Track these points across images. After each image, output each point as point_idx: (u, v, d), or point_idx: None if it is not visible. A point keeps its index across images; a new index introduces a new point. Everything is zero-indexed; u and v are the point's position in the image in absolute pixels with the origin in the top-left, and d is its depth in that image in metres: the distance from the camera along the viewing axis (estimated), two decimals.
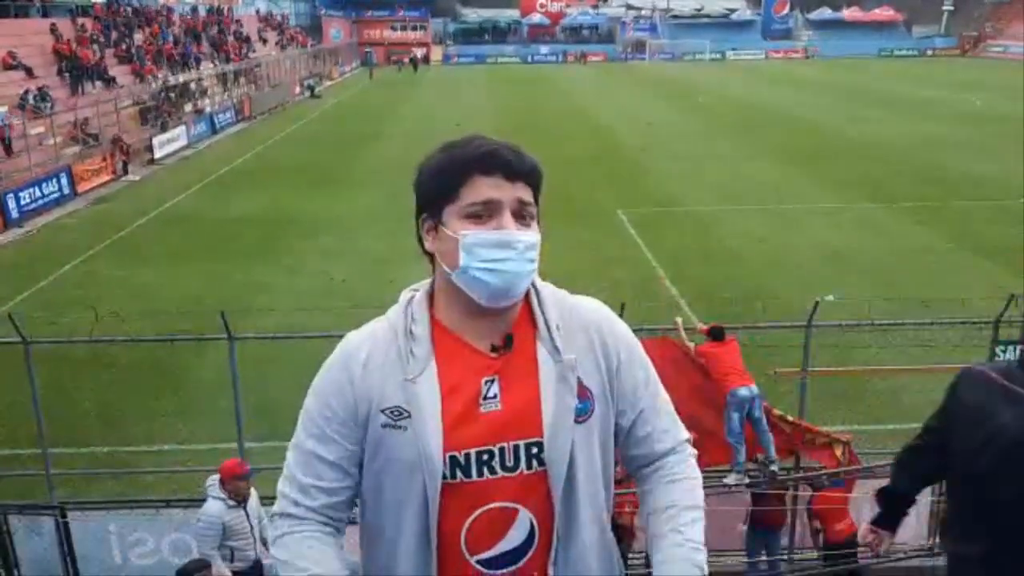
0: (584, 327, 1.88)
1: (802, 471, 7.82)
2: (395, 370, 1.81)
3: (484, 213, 1.77)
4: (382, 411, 1.80)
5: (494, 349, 1.81)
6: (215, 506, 6.08)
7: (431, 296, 1.89)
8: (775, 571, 7.57)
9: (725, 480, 7.35)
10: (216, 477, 6.20)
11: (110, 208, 21.73)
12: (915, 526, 7.71)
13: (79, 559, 7.19)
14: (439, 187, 1.82)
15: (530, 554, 1.82)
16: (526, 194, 1.80)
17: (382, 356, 1.83)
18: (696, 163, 25.73)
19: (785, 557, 7.63)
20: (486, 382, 1.80)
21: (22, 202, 20.11)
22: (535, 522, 1.81)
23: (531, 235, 1.79)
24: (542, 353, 1.83)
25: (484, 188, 1.77)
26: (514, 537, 1.80)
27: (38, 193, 20.85)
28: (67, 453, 9.03)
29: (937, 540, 7.66)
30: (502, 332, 1.83)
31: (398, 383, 1.80)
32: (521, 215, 1.79)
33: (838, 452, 7.26)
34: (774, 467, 7.43)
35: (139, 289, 14.57)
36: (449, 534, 1.80)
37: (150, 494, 8.31)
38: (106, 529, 7.31)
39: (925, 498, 7.57)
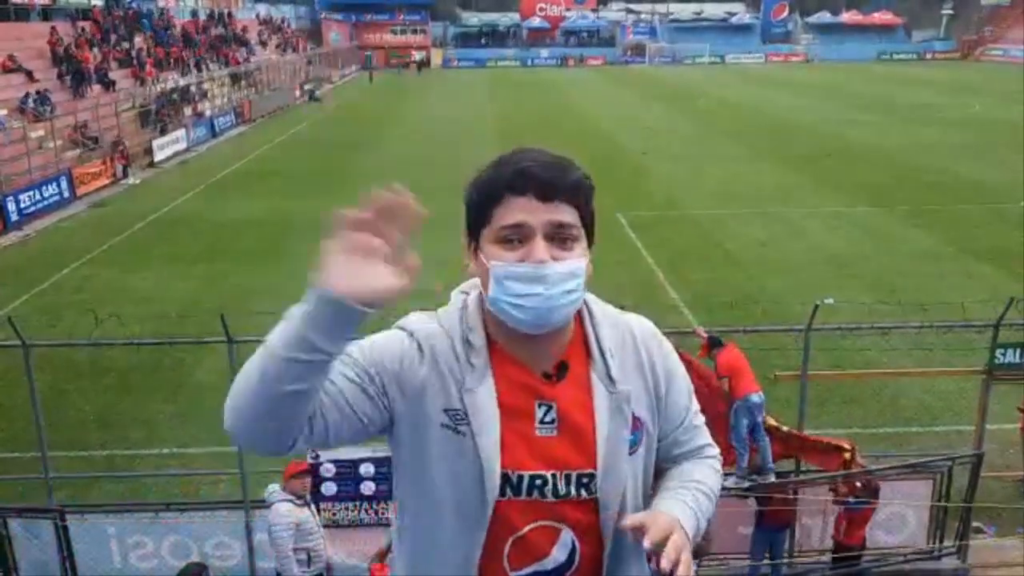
0: (635, 349, 1.85)
1: (806, 473, 7.82)
2: (454, 374, 1.75)
3: (515, 237, 1.68)
4: (444, 411, 1.74)
5: (547, 376, 1.76)
6: (283, 507, 6.27)
7: (481, 302, 1.81)
8: (777, 574, 7.57)
9: (725, 484, 7.34)
10: (275, 485, 6.42)
11: (110, 211, 21.72)
12: (915, 529, 7.72)
13: (78, 562, 7.18)
14: (476, 208, 1.75)
15: (570, 573, 1.80)
16: (565, 214, 1.69)
17: (440, 355, 1.76)
18: (696, 166, 25.76)
19: (787, 560, 7.62)
20: (541, 405, 1.75)
21: (22, 205, 20.11)
22: (577, 542, 1.79)
23: (567, 264, 1.68)
24: (596, 382, 1.79)
25: (515, 211, 1.68)
26: (556, 556, 1.78)
27: (38, 196, 20.86)
28: (66, 456, 9.02)
29: (938, 543, 7.67)
30: (555, 357, 1.78)
31: (458, 388, 1.74)
32: (560, 238, 1.69)
33: (847, 457, 7.26)
34: (772, 476, 7.44)
35: (138, 292, 14.57)
36: (493, 548, 1.77)
37: (149, 497, 8.31)
38: (105, 532, 7.31)
39: (925, 502, 7.57)
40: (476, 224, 1.76)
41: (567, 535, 1.78)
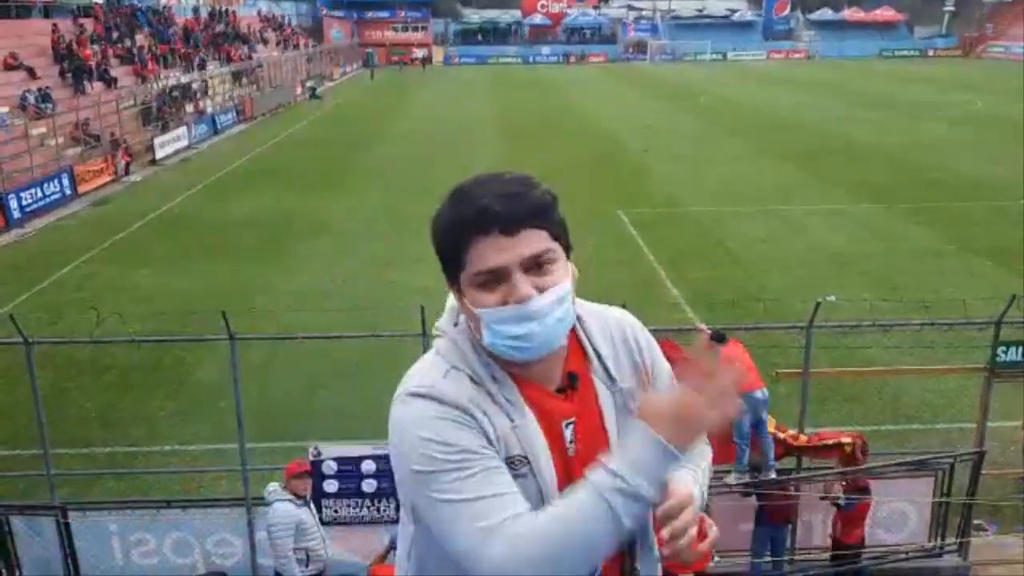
0: (624, 342, 1.87)
1: (807, 471, 7.82)
2: (498, 418, 1.70)
3: (492, 281, 1.65)
4: (505, 460, 1.68)
5: (560, 391, 1.76)
6: (284, 506, 6.26)
7: (472, 336, 1.77)
8: (778, 571, 7.57)
9: (726, 480, 7.36)
10: (275, 484, 6.42)
11: (111, 209, 21.74)
12: (917, 527, 7.72)
13: (80, 559, 7.19)
14: (447, 252, 1.71)
15: None
16: (535, 242, 1.65)
17: (477, 403, 1.69)
18: (697, 164, 25.73)
19: (787, 558, 7.62)
20: (567, 424, 1.76)
21: (23, 202, 20.12)
22: None
23: (552, 292, 1.66)
24: (598, 384, 1.81)
25: (486, 253, 1.64)
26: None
27: (39, 194, 20.86)
28: (68, 454, 9.03)
29: (939, 541, 7.67)
30: (561, 371, 1.78)
31: (507, 430, 1.70)
32: (536, 266, 1.66)
33: (847, 451, 7.26)
34: (772, 473, 7.43)
35: (139, 290, 14.58)
36: None
37: (151, 494, 8.32)
38: (107, 529, 7.32)
39: (927, 499, 7.57)
40: (451, 268, 1.72)
41: None
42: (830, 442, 7.38)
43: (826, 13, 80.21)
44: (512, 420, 1.70)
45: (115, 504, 7.79)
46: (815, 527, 7.74)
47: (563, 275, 1.70)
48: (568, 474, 1.72)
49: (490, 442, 1.66)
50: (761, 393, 7.22)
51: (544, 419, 1.74)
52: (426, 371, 1.74)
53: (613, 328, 1.88)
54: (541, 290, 1.66)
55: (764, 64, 70.65)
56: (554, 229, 1.70)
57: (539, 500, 1.68)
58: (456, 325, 1.80)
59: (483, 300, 1.67)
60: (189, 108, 34.43)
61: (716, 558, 6.25)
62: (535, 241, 1.66)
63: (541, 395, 1.76)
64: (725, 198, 21.03)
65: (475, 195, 1.66)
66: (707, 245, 17.09)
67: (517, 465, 1.69)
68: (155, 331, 9.76)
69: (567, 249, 1.75)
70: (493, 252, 1.64)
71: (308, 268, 15.88)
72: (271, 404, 9.61)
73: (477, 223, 1.64)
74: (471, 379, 1.71)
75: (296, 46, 60.71)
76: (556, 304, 1.67)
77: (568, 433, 1.75)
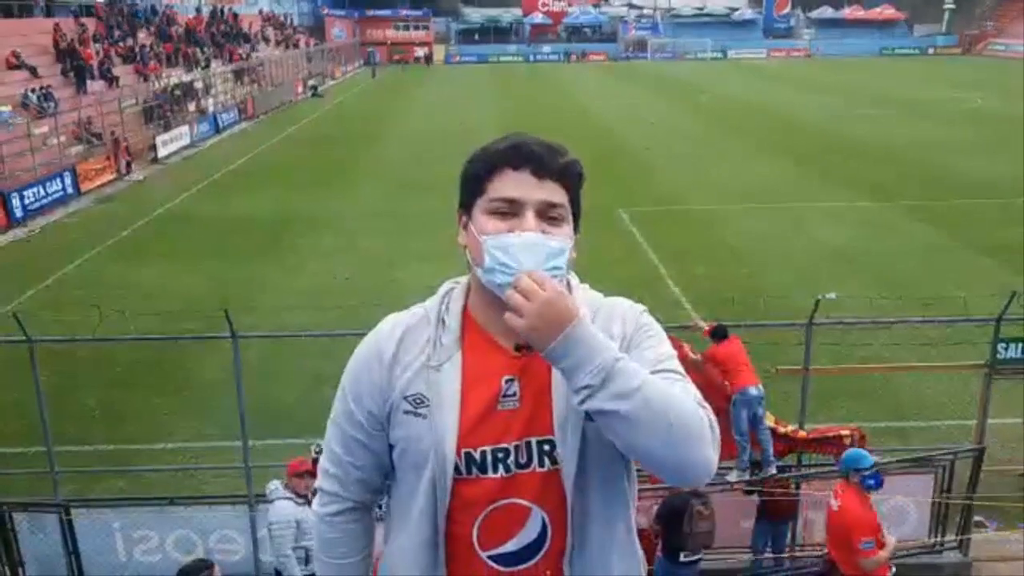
0: (608, 319, 1.85)
1: (808, 467, 7.84)
2: (422, 357, 1.82)
3: (507, 211, 1.74)
4: (404, 398, 1.81)
5: (518, 348, 1.78)
6: (285, 506, 6.22)
7: (468, 289, 1.88)
8: (779, 567, 7.59)
9: (727, 477, 7.39)
10: (277, 482, 6.39)
11: (113, 207, 21.76)
12: (917, 523, 7.73)
13: (83, 556, 7.22)
14: (471, 180, 1.81)
15: (543, 552, 1.81)
16: (556, 194, 1.77)
17: (412, 342, 1.84)
18: (698, 162, 25.74)
19: (788, 554, 7.65)
20: (507, 380, 1.79)
21: (26, 201, 20.15)
22: (548, 520, 1.80)
23: (554, 241, 1.73)
24: None
25: (510, 184, 1.75)
26: (526, 534, 1.80)
27: (42, 192, 20.89)
28: (71, 451, 9.05)
29: (939, 538, 7.68)
30: None
31: (422, 369, 1.80)
32: (549, 216, 1.75)
33: (847, 443, 7.27)
34: (773, 469, 7.45)
35: (142, 288, 14.59)
36: (461, 529, 1.79)
37: (154, 491, 8.34)
38: (110, 526, 7.35)
39: (927, 496, 7.59)
40: (470, 195, 1.81)
41: (537, 513, 1.79)
42: (830, 435, 7.41)
43: (826, 11, 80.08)
44: (430, 361, 1.80)
45: (118, 501, 7.83)
46: (816, 524, 7.75)
47: (567, 237, 1.78)
48: (495, 428, 1.76)
49: (381, 397, 1.84)
50: (756, 389, 7.24)
51: (477, 368, 1.79)
52: (404, 311, 1.93)
53: (599, 308, 1.87)
54: (547, 235, 1.75)
55: (764, 62, 70.56)
56: (574, 196, 1.82)
57: (431, 441, 1.76)
58: (450, 291, 1.90)
59: (491, 227, 1.75)
60: (191, 107, 34.43)
61: (893, 568, 6.24)
62: (556, 193, 1.77)
63: (490, 348, 1.81)
64: (726, 195, 21.03)
65: (519, 138, 1.81)
66: (708, 242, 17.09)
67: (415, 404, 1.80)
68: (159, 329, 9.79)
69: (576, 227, 1.84)
70: (518, 185, 1.75)
71: (310, 266, 15.90)
72: (273, 401, 9.64)
73: (513, 157, 1.77)
74: (425, 316, 1.87)
75: (298, 45, 60.70)
76: (553, 255, 1.73)
77: (506, 388, 1.78)
